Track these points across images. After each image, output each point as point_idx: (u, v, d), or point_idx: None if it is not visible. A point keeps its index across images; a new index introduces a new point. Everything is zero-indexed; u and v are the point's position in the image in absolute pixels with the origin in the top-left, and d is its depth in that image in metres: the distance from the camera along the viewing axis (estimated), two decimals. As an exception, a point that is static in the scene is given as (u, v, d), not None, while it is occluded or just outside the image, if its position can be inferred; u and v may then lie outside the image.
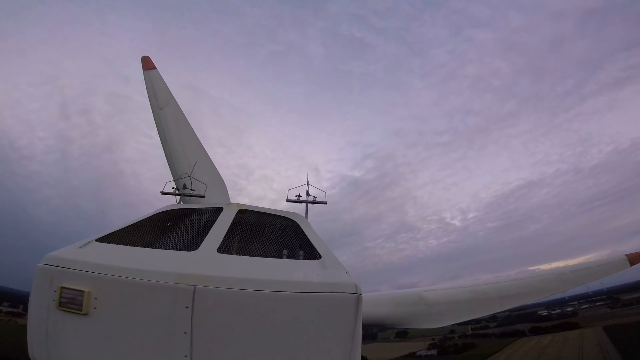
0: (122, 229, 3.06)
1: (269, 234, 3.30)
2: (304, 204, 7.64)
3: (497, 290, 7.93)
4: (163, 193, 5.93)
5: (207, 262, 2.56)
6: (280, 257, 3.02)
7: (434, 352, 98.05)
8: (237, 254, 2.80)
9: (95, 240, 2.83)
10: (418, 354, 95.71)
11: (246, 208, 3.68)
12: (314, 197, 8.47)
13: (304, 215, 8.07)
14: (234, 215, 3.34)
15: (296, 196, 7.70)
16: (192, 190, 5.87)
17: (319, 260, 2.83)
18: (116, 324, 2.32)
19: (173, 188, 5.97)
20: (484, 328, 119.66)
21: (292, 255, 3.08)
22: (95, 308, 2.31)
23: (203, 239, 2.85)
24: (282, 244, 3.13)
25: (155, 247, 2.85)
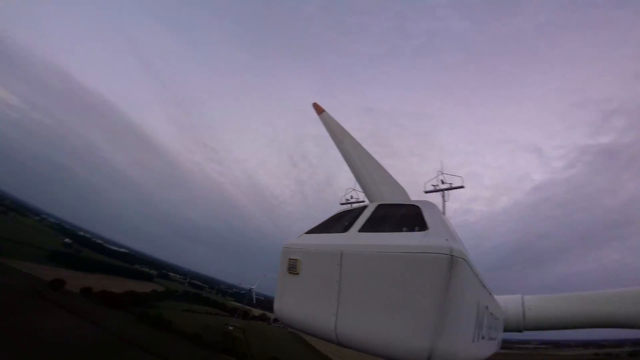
0: (316, 226, 4.65)
1: (394, 217, 4.14)
2: (445, 193, 9.16)
3: None
4: (341, 204, 9.61)
5: (351, 238, 3.77)
6: (400, 232, 3.75)
7: None
8: (369, 232, 3.84)
9: (304, 233, 4.51)
10: None
11: (384, 203, 4.62)
12: (451, 184, 9.44)
13: (442, 203, 9.37)
14: (373, 209, 4.38)
15: (433, 186, 9.16)
16: (357, 199, 9.40)
17: (426, 231, 3.49)
18: (310, 278, 3.67)
19: (346, 199, 9.65)
20: None
21: (408, 231, 3.74)
22: (302, 269, 3.72)
23: (352, 225, 4.11)
24: (403, 224, 3.87)
25: (329, 233, 4.26)
